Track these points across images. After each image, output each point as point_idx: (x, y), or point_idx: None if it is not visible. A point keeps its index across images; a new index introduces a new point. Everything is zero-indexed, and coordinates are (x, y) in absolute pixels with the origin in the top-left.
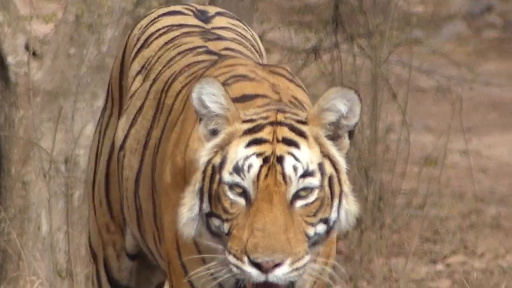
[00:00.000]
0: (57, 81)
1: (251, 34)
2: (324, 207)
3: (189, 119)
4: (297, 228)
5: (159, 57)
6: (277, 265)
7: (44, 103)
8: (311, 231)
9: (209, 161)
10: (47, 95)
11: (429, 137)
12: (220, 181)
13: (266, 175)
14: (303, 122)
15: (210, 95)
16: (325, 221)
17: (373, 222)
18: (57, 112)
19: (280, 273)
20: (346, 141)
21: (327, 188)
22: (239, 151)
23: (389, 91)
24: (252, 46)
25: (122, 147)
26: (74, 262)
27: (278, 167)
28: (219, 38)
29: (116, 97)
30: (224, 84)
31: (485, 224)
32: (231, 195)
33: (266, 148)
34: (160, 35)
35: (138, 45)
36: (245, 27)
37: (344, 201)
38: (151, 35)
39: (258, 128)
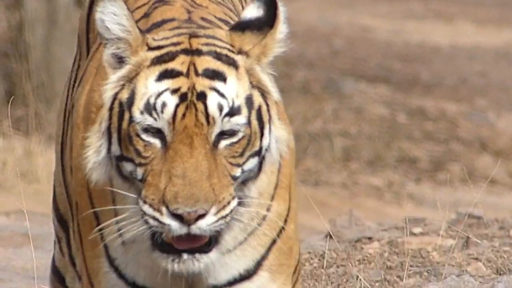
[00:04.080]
0: None
1: None
2: (252, 142)
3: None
4: (221, 172)
5: None
6: (200, 216)
7: None
8: (237, 172)
9: (115, 96)
10: None
11: None
12: (131, 120)
13: (184, 115)
14: (234, 51)
15: (110, 15)
16: (256, 153)
17: None
18: None
19: (204, 224)
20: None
21: (254, 122)
22: (149, 86)
23: None
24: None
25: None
26: None
27: (200, 106)
28: None
29: (84, 51)
30: (145, 14)
31: (294, 88)
32: (144, 136)
33: (181, 83)
34: None
35: None
36: None
37: (272, 127)
38: None
39: (168, 57)
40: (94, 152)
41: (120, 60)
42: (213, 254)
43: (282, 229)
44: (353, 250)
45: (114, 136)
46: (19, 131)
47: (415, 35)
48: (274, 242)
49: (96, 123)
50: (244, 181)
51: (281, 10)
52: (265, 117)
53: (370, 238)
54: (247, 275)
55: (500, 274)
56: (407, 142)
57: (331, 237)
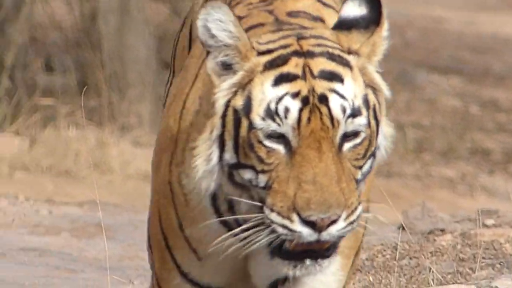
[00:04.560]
0: None
1: None
2: (372, 142)
3: (189, 68)
4: (347, 176)
5: None
6: (332, 222)
7: None
8: (359, 174)
9: (227, 103)
10: None
11: None
12: (251, 126)
13: (309, 119)
14: (345, 51)
15: (216, 22)
16: (372, 154)
17: None
18: None
19: (334, 230)
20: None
21: (373, 122)
22: (266, 91)
23: None
24: None
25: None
26: None
27: (324, 109)
28: None
29: (179, 65)
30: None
31: None
32: (267, 142)
33: (299, 86)
34: None
35: None
36: None
37: (382, 125)
38: None
39: (281, 61)
40: (204, 160)
41: (226, 67)
42: (332, 259)
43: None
44: (426, 242)
45: (229, 143)
46: (92, 121)
47: (487, 26)
48: None
49: (205, 132)
50: (361, 183)
51: (384, 7)
52: (379, 116)
53: (442, 230)
54: None
55: None
56: (479, 134)
57: (403, 228)
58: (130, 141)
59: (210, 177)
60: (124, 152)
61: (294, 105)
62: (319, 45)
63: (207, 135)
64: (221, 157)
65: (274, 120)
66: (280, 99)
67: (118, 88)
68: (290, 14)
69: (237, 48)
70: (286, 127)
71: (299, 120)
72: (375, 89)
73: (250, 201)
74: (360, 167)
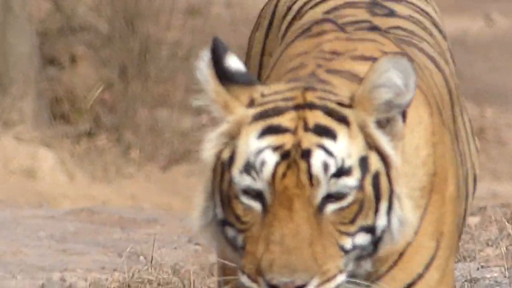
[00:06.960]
0: None
1: (433, 7)
2: (365, 211)
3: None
4: (327, 239)
5: None
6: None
7: None
8: (347, 242)
9: (217, 155)
10: None
11: None
12: (230, 181)
13: (284, 174)
14: (345, 105)
15: (200, 72)
16: (369, 229)
17: (138, 73)
18: None
19: None
20: (399, 125)
21: (369, 188)
22: (249, 143)
23: None
24: (434, 24)
25: None
26: None
27: (302, 164)
28: (391, 13)
29: (254, 74)
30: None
31: None
32: (243, 198)
33: (285, 140)
34: (317, 4)
35: (289, 16)
36: (427, 0)
37: (396, 205)
38: (305, 3)
39: (274, 112)
40: (200, 214)
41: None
42: None
43: (420, 276)
44: None
45: (217, 198)
46: None
47: None
48: None
49: (202, 183)
50: (360, 257)
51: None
52: (384, 188)
53: None
54: None
55: None
56: None
57: None
58: (12, 137)
59: (210, 233)
60: (7, 148)
61: (272, 159)
62: (322, 98)
63: (202, 187)
64: (215, 213)
65: (250, 174)
66: (260, 152)
67: (0, 85)
68: (331, 71)
69: (218, 101)
70: (261, 183)
71: (274, 174)
72: (382, 155)
73: (227, 262)
74: (349, 234)
